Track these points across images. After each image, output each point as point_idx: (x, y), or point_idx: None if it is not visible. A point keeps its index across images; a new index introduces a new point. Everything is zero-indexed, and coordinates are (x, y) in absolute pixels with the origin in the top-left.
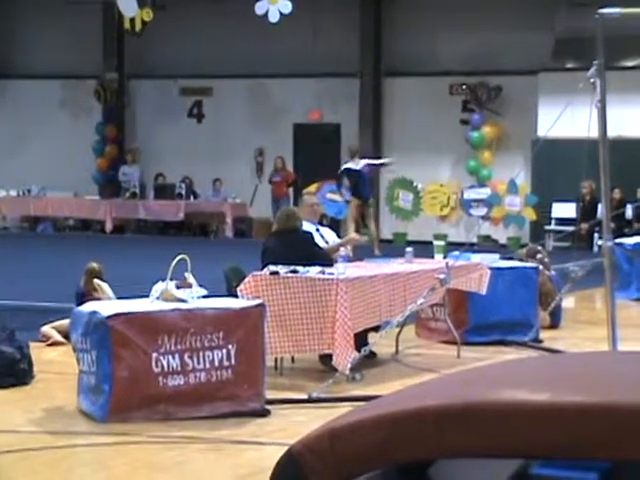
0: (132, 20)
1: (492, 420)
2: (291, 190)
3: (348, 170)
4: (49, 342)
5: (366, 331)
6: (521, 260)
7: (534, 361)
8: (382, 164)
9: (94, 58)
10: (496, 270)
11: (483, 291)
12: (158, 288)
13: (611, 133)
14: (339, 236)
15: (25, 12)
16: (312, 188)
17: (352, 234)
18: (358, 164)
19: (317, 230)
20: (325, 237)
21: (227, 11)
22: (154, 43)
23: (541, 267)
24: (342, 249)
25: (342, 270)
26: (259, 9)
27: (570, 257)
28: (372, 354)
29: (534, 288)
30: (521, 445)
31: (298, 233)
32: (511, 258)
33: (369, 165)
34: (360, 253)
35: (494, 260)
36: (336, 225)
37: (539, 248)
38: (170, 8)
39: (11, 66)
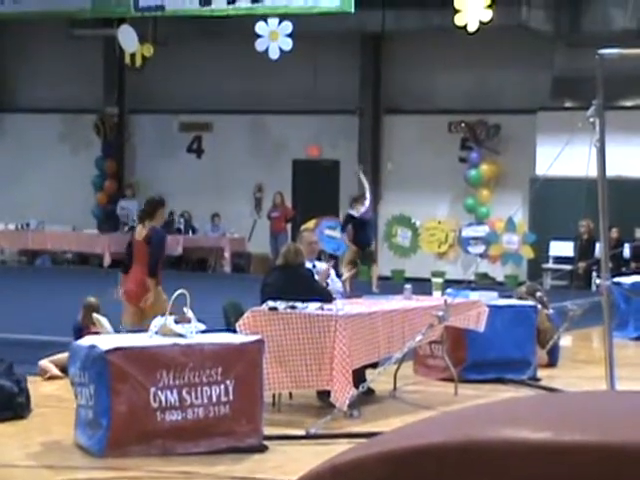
0: (133, 55)
1: (493, 458)
2: (289, 226)
3: (350, 217)
4: (47, 376)
5: (364, 368)
6: (520, 298)
7: (534, 399)
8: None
9: (94, 92)
10: (494, 308)
11: (481, 329)
12: (157, 323)
13: (609, 173)
14: (337, 272)
15: (26, 46)
16: (310, 224)
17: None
18: (358, 212)
19: (314, 267)
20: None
21: (228, 47)
22: (154, 78)
23: (539, 306)
24: (339, 285)
25: (341, 306)
26: (260, 45)
27: (568, 296)
28: (370, 391)
29: (532, 326)
30: None
31: (300, 269)
32: (510, 296)
33: (367, 208)
34: (358, 290)
35: (492, 298)
36: (334, 261)
37: (538, 286)
38: (171, 44)
39: (11, 99)
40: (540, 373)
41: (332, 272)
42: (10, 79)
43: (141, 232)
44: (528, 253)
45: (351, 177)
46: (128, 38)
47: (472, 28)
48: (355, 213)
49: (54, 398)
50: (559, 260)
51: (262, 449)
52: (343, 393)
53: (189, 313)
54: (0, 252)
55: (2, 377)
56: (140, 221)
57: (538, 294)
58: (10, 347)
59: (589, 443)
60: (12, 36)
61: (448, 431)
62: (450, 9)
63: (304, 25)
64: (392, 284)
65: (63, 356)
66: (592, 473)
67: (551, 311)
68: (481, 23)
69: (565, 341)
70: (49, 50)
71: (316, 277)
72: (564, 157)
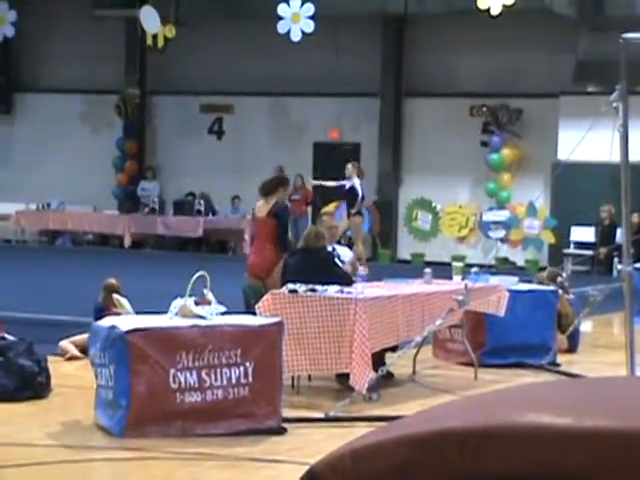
0: (155, 36)
1: (514, 443)
2: (310, 209)
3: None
4: (67, 356)
5: (383, 351)
6: (540, 283)
7: (554, 385)
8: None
9: (116, 73)
10: (515, 293)
11: (501, 313)
12: (177, 304)
13: (632, 158)
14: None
15: (49, 26)
16: (330, 207)
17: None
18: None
19: (333, 250)
20: (341, 256)
21: (249, 29)
22: (176, 60)
23: (560, 291)
24: (361, 268)
25: (360, 290)
26: (281, 28)
27: (589, 281)
28: (389, 374)
29: (552, 311)
30: (543, 468)
31: (321, 252)
32: (530, 281)
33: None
34: (379, 273)
35: (513, 282)
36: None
37: (559, 271)
38: (192, 25)
39: (33, 79)
40: (560, 358)
41: (350, 253)
42: (32, 59)
43: (262, 208)
44: (549, 238)
45: (372, 160)
46: (150, 19)
47: (495, 11)
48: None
49: (74, 378)
50: (580, 245)
51: (281, 431)
52: (362, 376)
53: (209, 295)
54: (21, 232)
55: (22, 357)
56: (261, 197)
57: (559, 279)
58: (31, 327)
59: (613, 429)
60: (34, 16)
61: (469, 416)
62: None
63: (326, 7)
64: (412, 268)
65: (83, 337)
66: (615, 458)
67: (572, 296)
68: (504, 6)
69: (585, 326)
70: (71, 30)
71: (337, 261)
72: (586, 142)
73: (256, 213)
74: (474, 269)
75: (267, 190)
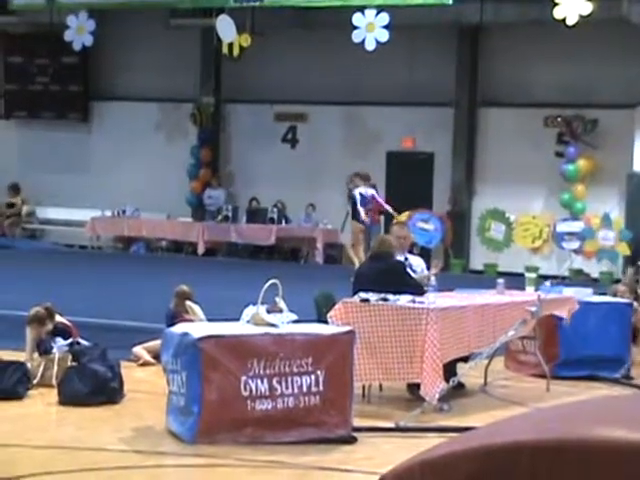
0: (230, 45)
1: (587, 457)
2: (382, 218)
3: (362, 195)
4: (140, 362)
5: (455, 361)
6: (615, 295)
7: (630, 398)
8: (388, 212)
9: (191, 82)
10: (588, 305)
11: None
12: (249, 312)
13: None
14: (428, 266)
15: (126, 36)
16: (403, 217)
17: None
18: (367, 191)
19: (406, 259)
20: (413, 266)
21: (324, 38)
22: (251, 69)
23: (635, 303)
24: (433, 279)
25: (432, 300)
26: (356, 37)
27: None
28: (460, 385)
29: (627, 324)
30: None
31: (391, 260)
32: (604, 293)
33: (374, 199)
34: (450, 283)
35: (587, 294)
36: (427, 254)
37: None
38: (268, 35)
39: (110, 88)
40: (634, 372)
41: (422, 263)
42: (109, 68)
43: None
44: (624, 250)
45: (446, 170)
46: (226, 28)
47: (571, 21)
48: (364, 192)
49: (147, 384)
50: None
51: (351, 440)
52: (433, 386)
53: (281, 303)
54: (96, 238)
55: (96, 362)
56: None
57: (639, 291)
58: (105, 332)
59: None
60: (112, 25)
61: (542, 429)
62: (549, 2)
63: (401, 17)
64: (485, 278)
65: (156, 343)
66: None
67: None
68: (580, 16)
69: None
70: (148, 39)
71: (409, 271)
72: None
73: None
74: (548, 282)
75: None
